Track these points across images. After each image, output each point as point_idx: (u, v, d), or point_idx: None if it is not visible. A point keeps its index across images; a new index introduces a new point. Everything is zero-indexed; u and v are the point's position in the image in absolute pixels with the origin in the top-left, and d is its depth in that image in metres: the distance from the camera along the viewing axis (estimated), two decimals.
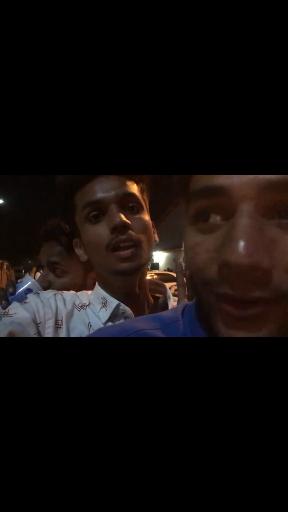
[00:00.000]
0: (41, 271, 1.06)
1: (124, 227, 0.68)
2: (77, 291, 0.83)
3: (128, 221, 0.69)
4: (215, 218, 0.33)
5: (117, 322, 0.72)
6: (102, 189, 0.70)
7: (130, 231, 0.69)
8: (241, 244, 0.29)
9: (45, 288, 0.99)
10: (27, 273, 1.13)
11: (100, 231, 0.70)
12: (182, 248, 0.44)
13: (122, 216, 0.68)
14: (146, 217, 0.75)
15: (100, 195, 0.70)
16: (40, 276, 1.06)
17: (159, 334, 0.44)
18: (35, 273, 1.13)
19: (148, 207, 0.79)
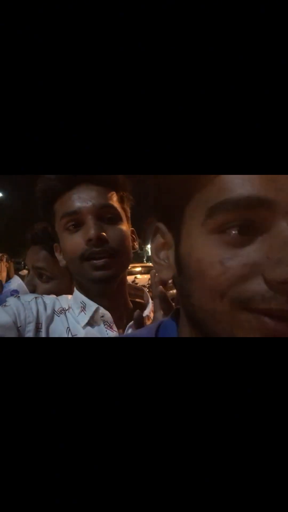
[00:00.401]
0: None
1: (99, 240, 0.69)
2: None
3: (104, 234, 0.70)
4: (247, 231, 0.32)
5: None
6: (80, 199, 0.71)
7: (105, 243, 0.70)
8: None
9: (30, 292, 1.00)
10: (15, 275, 1.13)
11: (76, 242, 0.71)
12: (163, 260, 0.40)
13: (98, 229, 0.69)
14: (124, 227, 0.76)
15: (78, 206, 0.71)
16: (25, 280, 1.06)
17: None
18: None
19: (128, 215, 0.80)
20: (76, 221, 0.72)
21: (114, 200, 0.74)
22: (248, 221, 0.31)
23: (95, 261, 0.70)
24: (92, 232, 0.68)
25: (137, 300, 0.88)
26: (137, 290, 0.92)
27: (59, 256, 0.82)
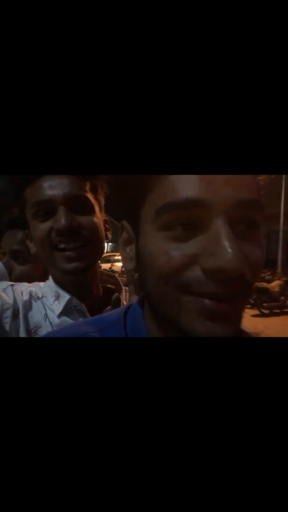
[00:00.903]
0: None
1: (69, 230, 0.68)
2: (38, 280, 0.84)
3: (75, 224, 0.69)
4: (189, 228, 0.36)
5: (62, 327, 0.72)
6: (52, 188, 0.69)
7: (76, 234, 0.69)
8: (231, 251, 0.33)
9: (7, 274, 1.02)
10: None
11: (46, 231, 0.70)
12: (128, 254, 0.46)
13: (68, 219, 0.68)
14: (96, 218, 0.74)
15: (48, 195, 0.69)
16: (2, 262, 1.07)
17: (101, 336, 0.47)
18: None
19: (102, 205, 0.79)
20: (47, 210, 0.70)
21: (87, 189, 0.72)
22: (189, 219, 0.36)
23: (66, 253, 0.69)
24: (62, 222, 0.67)
25: (109, 286, 0.89)
26: (109, 276, 0.92)
27: (29, 244, 0.81)
